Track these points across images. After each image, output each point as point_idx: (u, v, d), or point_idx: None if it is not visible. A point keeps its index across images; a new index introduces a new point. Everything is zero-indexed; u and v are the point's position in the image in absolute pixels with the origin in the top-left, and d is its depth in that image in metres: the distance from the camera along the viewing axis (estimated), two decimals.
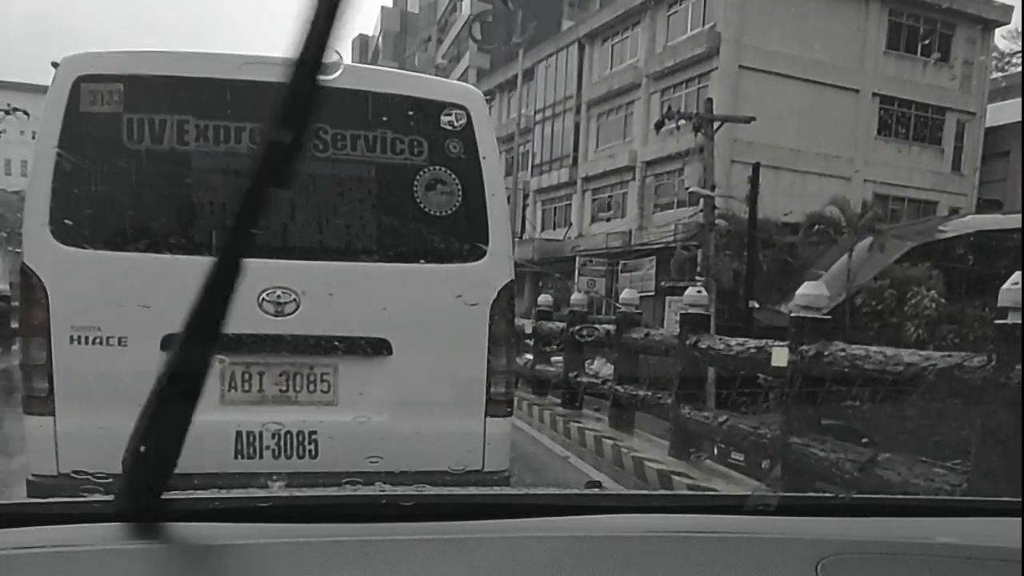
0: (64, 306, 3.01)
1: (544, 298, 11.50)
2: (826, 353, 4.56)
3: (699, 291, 6.76)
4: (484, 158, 3.33)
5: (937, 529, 1.25)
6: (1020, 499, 1.32)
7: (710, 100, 21.25)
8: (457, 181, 3.28)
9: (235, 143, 3.09)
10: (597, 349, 10.72)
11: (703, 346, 6.12)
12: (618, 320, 8.26)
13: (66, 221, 3.01)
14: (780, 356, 4.71)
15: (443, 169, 3.28)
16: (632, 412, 7.92)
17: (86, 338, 3.00)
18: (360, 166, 3.27)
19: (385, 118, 3.24)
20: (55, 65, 3.11)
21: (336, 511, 1.19)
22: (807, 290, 4.80)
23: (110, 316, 3.02)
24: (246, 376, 3.16)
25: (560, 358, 10.24)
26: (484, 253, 3.32)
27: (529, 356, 11.51)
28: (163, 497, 1.07)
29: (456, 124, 3.29)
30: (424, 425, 3.25)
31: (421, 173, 3.26)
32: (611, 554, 1.10)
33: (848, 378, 4.65)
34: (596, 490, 1.48)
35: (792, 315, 4.84)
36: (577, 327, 9.30)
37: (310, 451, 3.18)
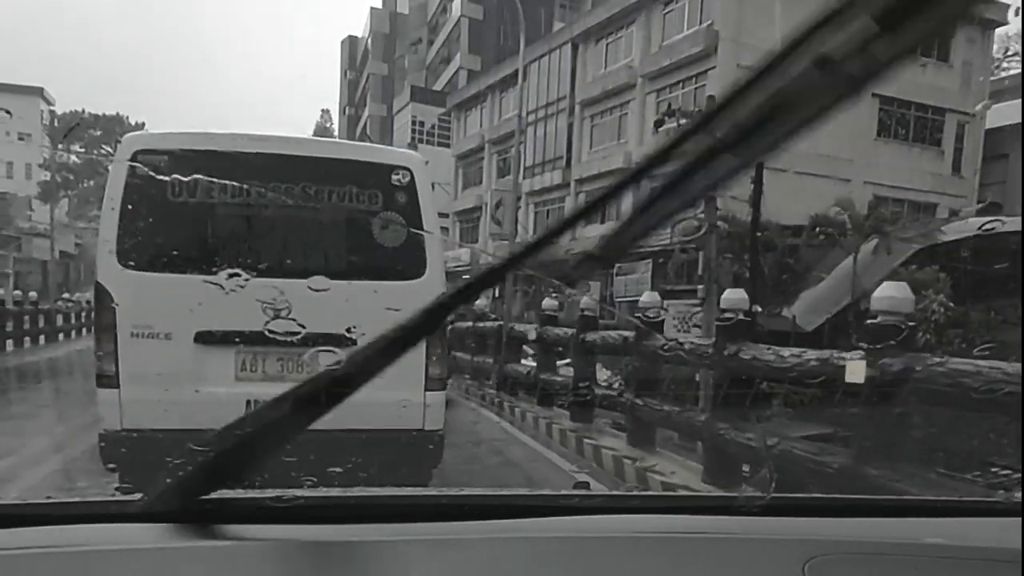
0: (126, 311, 4.15)
1: (549, 302, 10.84)
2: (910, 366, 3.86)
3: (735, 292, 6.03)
4: (423, 206, 4.45)
5: (924, 529, 1.25)
6: (1004, 500, 1.37)
7: (712, 97, 20.61)
8: (403, 223, 4.39)
9: (246, 197, 4.17)
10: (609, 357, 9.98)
11: (747, 357, 5.34)
12: (638, 326, 7.54)
13: (128, 251, 4.16)
14: (856, 371, 3.96)
15: (393, 214, 4.38)
16: (653, 428, 7.21)
17: (141, 333, 4.14)
18: (336, 212, 4.39)
19: (352, 177, 4.38)
20: (119, 142, 4.44)
21: (333, 512, 1.21)
22: (887, 292, 4.07)
23: (158, 318, 4.15)
24: (253, 360, 4.32)
25: (567, 362, 9.59)
26: (423, 273, 4.41)
27: (532, 363, 10.82)
28: (202, 498, 1.09)
29: (403, 181, 4.39)
30: (380, 396, 3.75)
31: (378, 217, 4.37)
32: (599, 555, 1.10)
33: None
34: (584, 491, 1.45)
35: (870, 323, 4.09)
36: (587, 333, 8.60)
37: None
